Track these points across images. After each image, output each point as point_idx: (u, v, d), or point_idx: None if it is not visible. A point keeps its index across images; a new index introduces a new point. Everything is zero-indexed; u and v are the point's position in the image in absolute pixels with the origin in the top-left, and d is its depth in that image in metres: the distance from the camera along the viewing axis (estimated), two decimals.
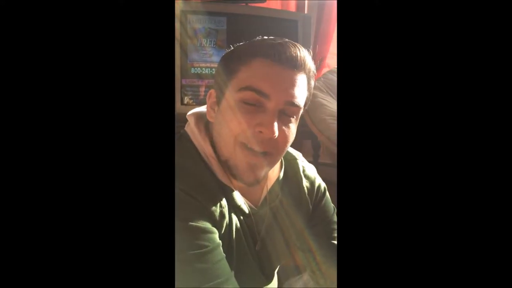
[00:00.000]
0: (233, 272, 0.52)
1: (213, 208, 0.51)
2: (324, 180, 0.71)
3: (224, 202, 0.54)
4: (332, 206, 0.69)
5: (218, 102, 0.54)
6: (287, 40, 0.53)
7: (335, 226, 0.67)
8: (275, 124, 0.49)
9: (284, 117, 0.52)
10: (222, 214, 0.53)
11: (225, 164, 0.54)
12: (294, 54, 0.50)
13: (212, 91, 0.57)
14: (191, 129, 0.57)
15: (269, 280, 0.67)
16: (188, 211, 0.49)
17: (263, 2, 1.41)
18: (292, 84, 0.51)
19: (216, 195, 0.53)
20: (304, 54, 0.52)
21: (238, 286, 0.51)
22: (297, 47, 0.52)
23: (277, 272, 0.71)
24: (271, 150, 0.52)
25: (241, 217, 0.58)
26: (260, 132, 0.50)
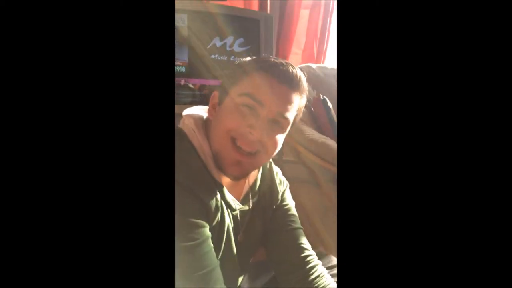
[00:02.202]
0: (219, 262, 0.56)
1: (210, 202, 0.56)
2: (288, 176, 0.73)
3: (218, 197, 0.59)
4: (291, 201, 0.76)
5: (220, 102, 0.61)
6: (288, 62, 0.60)
7: (295, 214, 0.74)
8: (264, 128, 0.56)
9: (274, 126, 0.58)
10: (216, 208, 0.58)
11: (215, 157, 0.59)
12: (291, 74, 0.57)
13: (216, 92, 0.63)
14: (190, 127, 0.62)
15: (244, 272, 0.72)
16: (185, 204, 0.53)
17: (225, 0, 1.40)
18: (285, 99, 0.58)
19: (212, 191, 0.58)
20: (300, 75, 0.59)
21: (221, 276, 0.55)
22: (295, 69, 0.58)
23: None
24: (259, 152, 0.58)
25: (230, 212, 0.62)
26: (250, 132, 0.56)
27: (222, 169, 0.59)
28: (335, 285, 0.69)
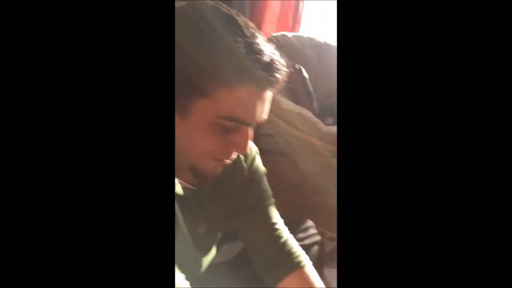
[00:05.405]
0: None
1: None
2: (265, 149, 0.72)
3: None
4: (262, 169, 0.72)
5: (183, 111, 0.47)
6: (279, 57, 0.47)
7: (265, 188, 0.71)
8: (249, 140, 0.51)
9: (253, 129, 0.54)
10: None
11: (190, 167, 0.52)
12: (282, 78, 0.48)
13: None
14: None
15: (206, 252, 0.69)
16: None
17: None
18: (266, 103, 0.50)
19: None
20: (283, 73, 0.48)
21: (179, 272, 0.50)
22: (284, 67, 0.48)
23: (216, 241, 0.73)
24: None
25: (178, 203, 0.56)
26: (235, 150, 0.52)
27: (198, 177, 0.53)
28: (307, 256, 0.70)
